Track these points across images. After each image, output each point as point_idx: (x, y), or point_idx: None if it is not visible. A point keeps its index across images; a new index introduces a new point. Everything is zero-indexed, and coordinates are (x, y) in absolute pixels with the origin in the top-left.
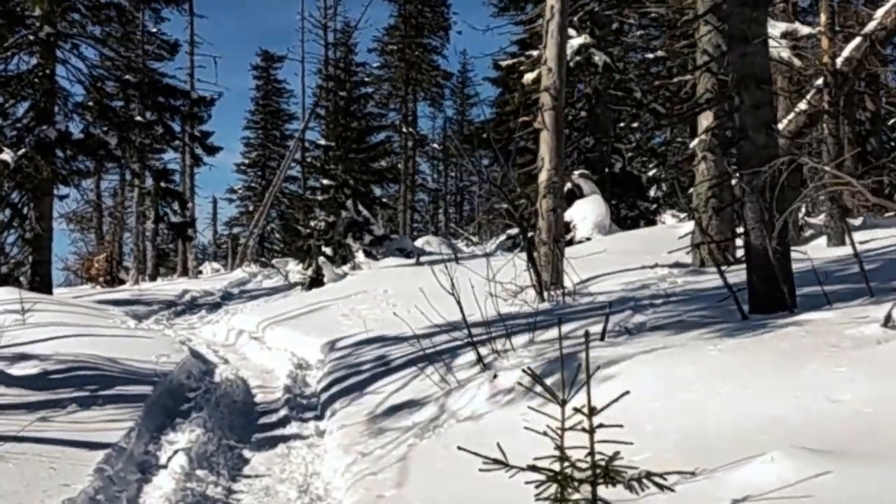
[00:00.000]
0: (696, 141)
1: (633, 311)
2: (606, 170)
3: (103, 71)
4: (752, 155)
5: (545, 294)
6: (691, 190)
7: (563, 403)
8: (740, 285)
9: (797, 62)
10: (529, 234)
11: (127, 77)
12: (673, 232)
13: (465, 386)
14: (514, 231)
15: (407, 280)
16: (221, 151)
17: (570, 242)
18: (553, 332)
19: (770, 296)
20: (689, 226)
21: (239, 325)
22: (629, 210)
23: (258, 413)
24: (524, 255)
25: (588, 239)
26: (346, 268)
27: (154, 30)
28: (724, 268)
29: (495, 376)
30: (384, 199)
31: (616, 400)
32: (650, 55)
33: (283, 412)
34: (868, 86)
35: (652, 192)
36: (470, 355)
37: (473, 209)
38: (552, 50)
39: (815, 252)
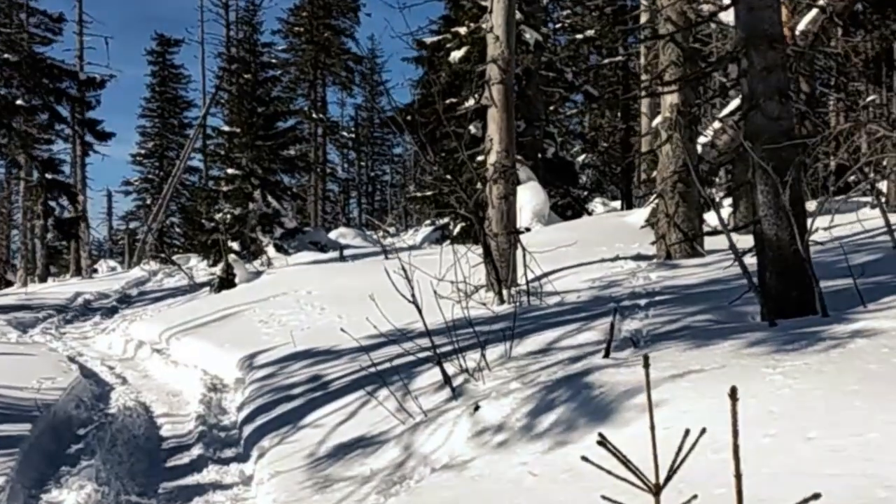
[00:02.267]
0: (658, 119)
1: (619, 314)
2: (539, 155)
3: None
4: (763, 128)
5: (504, 294)
6: (654, 174)
7: (657, 491)
8: (724, 280)
9: None
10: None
11: (6, 56)
12: (620, 221)
13: (434, 420)
14: (442, 221)
15: (332, 278)
16: (115, 139)
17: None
18: (531, 343)
19: (789, 296)
20: (638, 213)
21: (139, 335)
22: (560, 198)
23: (165, 452)
24: (473, 248)
25: (527, 229)
26: (256, 264)
27: (37, 6)
28: (694, 261)
29: (476, 408)
30: (294, 190)
31: None
32: (579, 35)
33: (196, 450)
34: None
35: (582, 179)
36: (432, 374)
37: (385, 199)
38: (499, 15)
39: None
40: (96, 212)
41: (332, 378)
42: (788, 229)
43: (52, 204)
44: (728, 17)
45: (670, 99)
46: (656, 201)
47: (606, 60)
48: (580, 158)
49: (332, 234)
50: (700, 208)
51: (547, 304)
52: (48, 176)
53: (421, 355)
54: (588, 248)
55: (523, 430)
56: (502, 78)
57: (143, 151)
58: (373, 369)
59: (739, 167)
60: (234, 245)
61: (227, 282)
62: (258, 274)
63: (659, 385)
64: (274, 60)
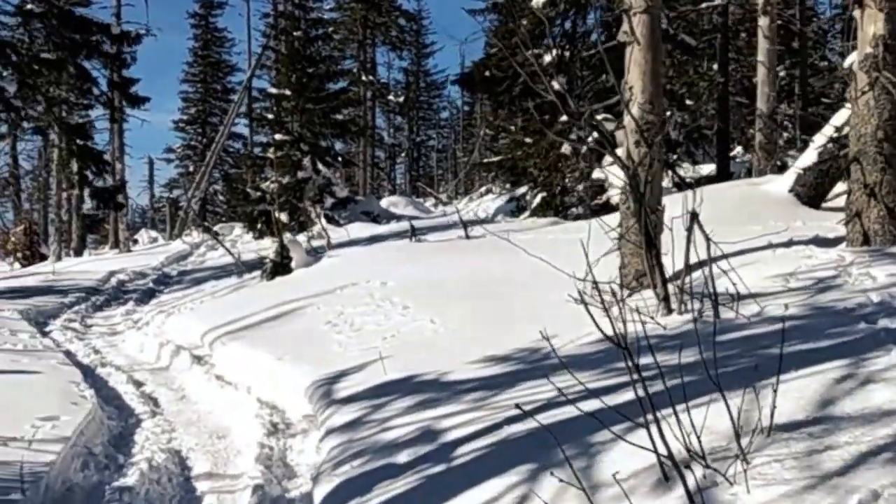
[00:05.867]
0: (852, 57)
1: None
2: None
3: None
4: None
5: (672, 300)
6: (846, 130)
7: None
8: None
9: None
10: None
11: (29, 7)
12: (757, 190)
13: None
14: (521, 191)
15: (408, 263)
16: (157, 106)
17: (606, 207)
18: (783, 401)
19: None
20: (779, 181)
21: (176, 336)
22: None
23: None
24: (607, 222)
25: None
26: (301, 237)
27: None
28: None
29: None
30: (346, 156)
31: None
32: None
33: None
34: None
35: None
36: (624, 450)
37: (430, 165)
38: None
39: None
40: (137, 180)
41: (456, 437)
42: None
43: (87, 173)
44: None
45: (873, 29)
46: (800, 169)
47: (704, 5)
48: (667, 115)
49: (383, 203)
50: None
51: (744, 318)
52: (79, 142)
53: (584, 406)
54: (732, 226)
55: None
56: (648, 5)
57: (185, 118)
58: (517, 428)
59: None
60: (282, 216)
61: (281, 267)
62: (318, 257)
63: None
64: (325, 17)
